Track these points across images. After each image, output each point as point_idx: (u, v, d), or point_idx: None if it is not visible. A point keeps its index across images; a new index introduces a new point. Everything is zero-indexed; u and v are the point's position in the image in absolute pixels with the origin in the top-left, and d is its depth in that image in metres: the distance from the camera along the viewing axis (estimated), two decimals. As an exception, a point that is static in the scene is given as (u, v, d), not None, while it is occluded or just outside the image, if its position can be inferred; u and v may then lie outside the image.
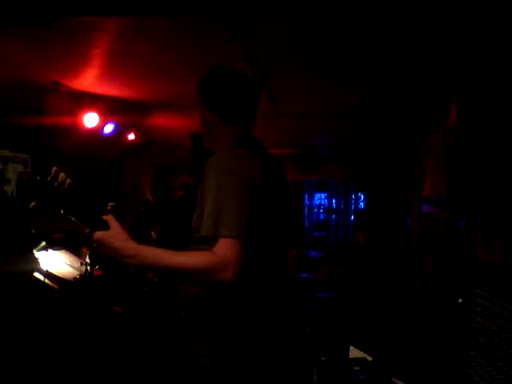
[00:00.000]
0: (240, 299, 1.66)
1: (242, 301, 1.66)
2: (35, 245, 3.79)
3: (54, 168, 1.62)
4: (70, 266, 3.93)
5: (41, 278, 3.63)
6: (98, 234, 1.59)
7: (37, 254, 3.74)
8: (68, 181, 1.63)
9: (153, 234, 3.55)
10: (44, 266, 3.67)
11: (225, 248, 1.52)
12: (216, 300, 1.67)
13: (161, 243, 3.28)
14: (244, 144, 1.77)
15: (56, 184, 1.60)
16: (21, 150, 6.18)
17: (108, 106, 4.71)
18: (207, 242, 1.56)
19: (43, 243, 3.81)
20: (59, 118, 4.86)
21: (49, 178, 1.60)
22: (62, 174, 1.62)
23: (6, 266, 3.63)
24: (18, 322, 3.51)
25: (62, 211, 1.60)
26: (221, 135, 1.85)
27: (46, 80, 3.98)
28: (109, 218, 1.63)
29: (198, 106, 1.89)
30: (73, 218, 1.64)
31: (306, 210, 9.97)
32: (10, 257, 3.78)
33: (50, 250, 3.81)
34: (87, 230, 1.64)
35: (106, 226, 1.60)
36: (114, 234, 1.59)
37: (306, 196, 9.98)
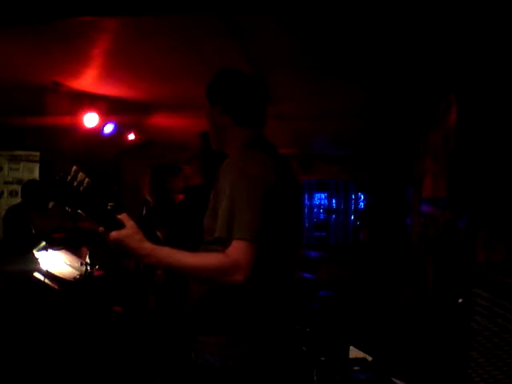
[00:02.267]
0: (249, 298, 1.66)
1: (251, 300, 1.66)
2: (35, 245, 3.79)
3: (74, 167, 1.61)
4: (69, 266, 3.93)
5: (41, 278, 3.63)
6: (114, 235, 1.59)
7: (37, 254, 3.74)
8: (87, 180, 1.62)
9: (159, 234, 3.52)
10: (44, 266, 3.67)
11: (238, 250, 1.53)
12: (224, 297, 1.67)
13: (167, 244, 3.25)
14: (256, 145, 1.77)
15: (75, 184, 1.60)
16: (28, 148, 6.07)
17: (108, 106, 4.71)
18: (220, 243, 1.57)
19: (43, 243, 3.81)
20: (59, 117, 4.87)
21: (69, 178, 1.59)
22: (81, 173, 1.61)
23: (6, 266, 3.64)
24: (19, 322, 3.51)
25: (79, 211, 1.60)
26: (233, 137, 1.84)
27: (46, 80, 3.98)
28: (123, 216, 1.63)
29: (208, 109, 1.88)
30: (89, 218, 1.64)
31: (306, 210, 9.96)
32: (10, 257, 3.78)
33: (49, 250, 3.81)
34: (101, 229, 1.65)
35: (120, 225, 1.61)
36: (130, 235, 1.60)
37: (306, 196, 9.97)
